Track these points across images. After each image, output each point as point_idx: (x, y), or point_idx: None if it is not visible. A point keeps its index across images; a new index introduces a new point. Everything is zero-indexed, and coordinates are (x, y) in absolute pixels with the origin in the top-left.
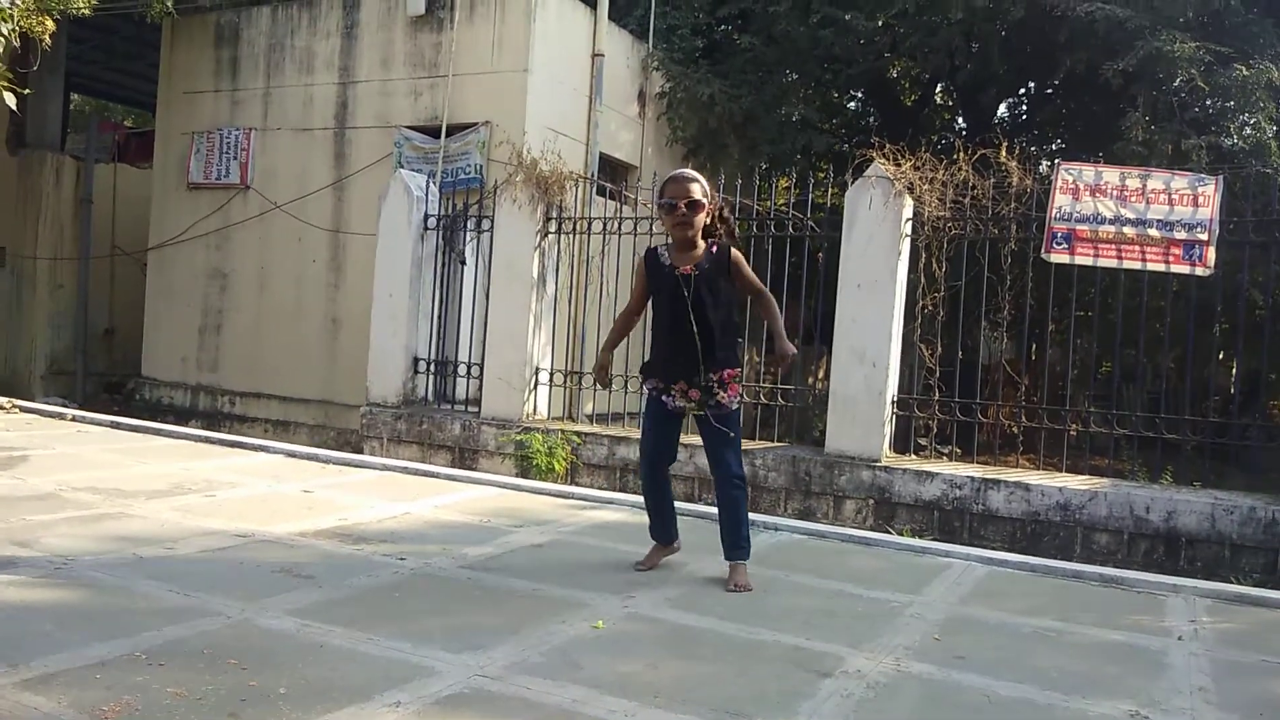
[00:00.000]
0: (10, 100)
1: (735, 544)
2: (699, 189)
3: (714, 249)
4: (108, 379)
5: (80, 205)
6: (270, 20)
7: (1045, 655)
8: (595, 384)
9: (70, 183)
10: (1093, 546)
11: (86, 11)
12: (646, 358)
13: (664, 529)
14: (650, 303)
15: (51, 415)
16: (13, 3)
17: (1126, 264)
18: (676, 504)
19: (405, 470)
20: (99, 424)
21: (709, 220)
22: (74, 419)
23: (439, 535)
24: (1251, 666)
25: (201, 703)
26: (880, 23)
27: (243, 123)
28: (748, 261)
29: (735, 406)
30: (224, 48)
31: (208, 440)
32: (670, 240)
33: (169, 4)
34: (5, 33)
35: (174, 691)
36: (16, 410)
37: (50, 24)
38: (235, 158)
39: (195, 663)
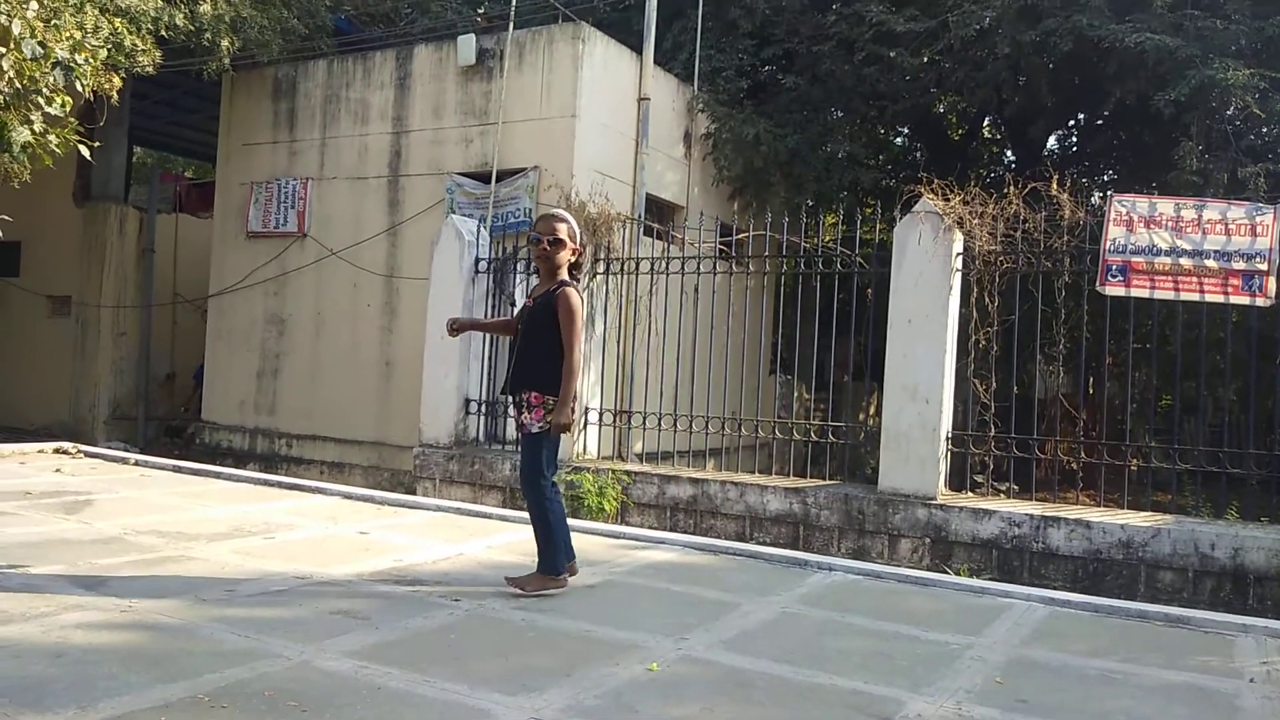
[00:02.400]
0: (85, 151)
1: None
2: (565, 229)
3: (553, 289)
4: (169, 423)
5: (143, 254)
6: (326, 73)
7: (1111, 698)
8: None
9: (133, 233)
10: (1157, 585)
11: (151, 69)
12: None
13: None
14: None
15: (114, 460)
16: (86, 61)
17: (1184, 296)
18: (729, 543)
19: (458, 511)
20: (161, 468)
21: (573, 259)
22: (136, 463)
23: (492, 576)
24: None
25: None
26: (925, 59)
27: (300, 173)
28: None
29: (535, 430)
30: (281, 100)
31: (266, 483)
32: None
33: (226, 61)
34: (80, 89)
35: None
36: (81, 455)
37: (118, 81)
38: (293, 207)
39: (256, 705)
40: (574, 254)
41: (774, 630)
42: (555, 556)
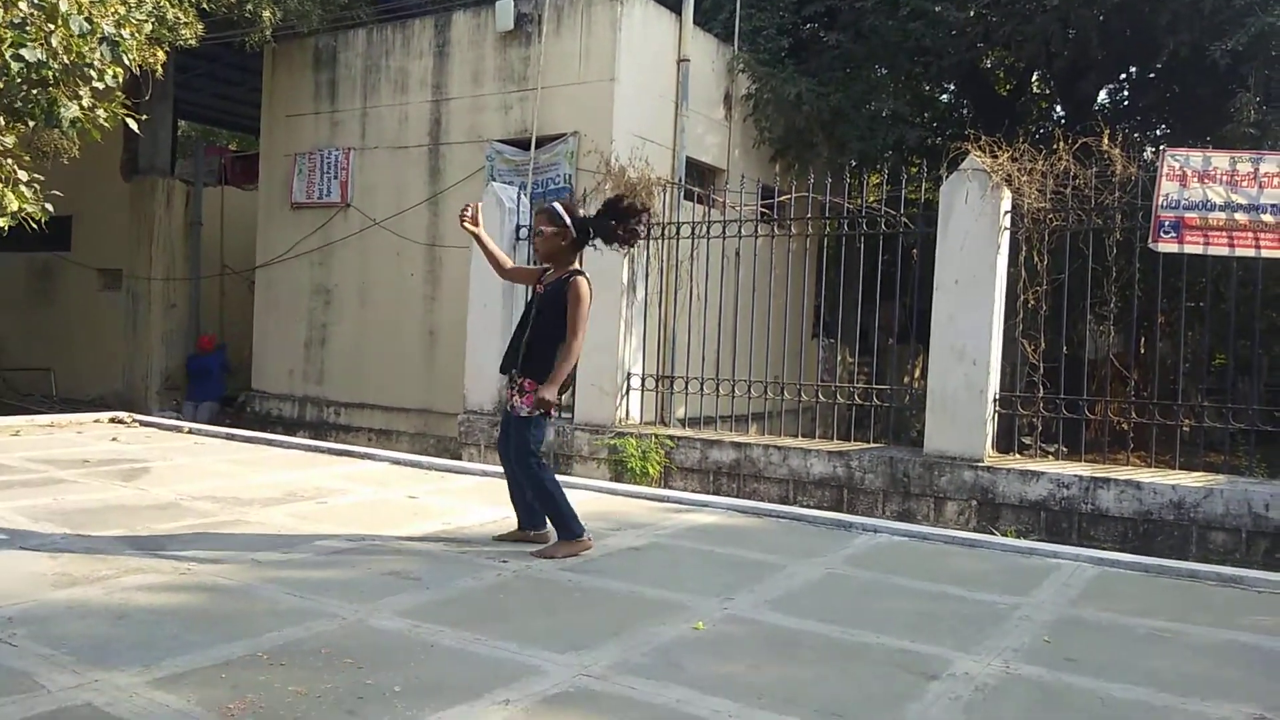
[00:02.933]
0: (133, 125)
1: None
2: (543, 219)
3: (565, 277)
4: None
5: (190, 227)
6: (366, 43)
7: (1161, 657)
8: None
9: (180, 206)
10: (1209, 546)
11: (194, 42)
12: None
13: (520, 512)
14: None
15: (169, 429)
16: (131, 35)
17: (1239, 251)
18: (773, 505)
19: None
20: (215, 436)
21: (565, 241)
22: (190, 431)
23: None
24: None
25: (321, 700)
26: (972, 13)
27: (342, 143)
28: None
29: (524, 414)
30: (322, 71)
31: (317, 450)
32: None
33: (268, 32)
34: (126, 63)
35: (295, 690)
36: (136, 424)
37: (162, 55)
38: (336, 177)
39: (314, 662)
40: (560, 237)
41: (819, 591)
42: (569, 522)
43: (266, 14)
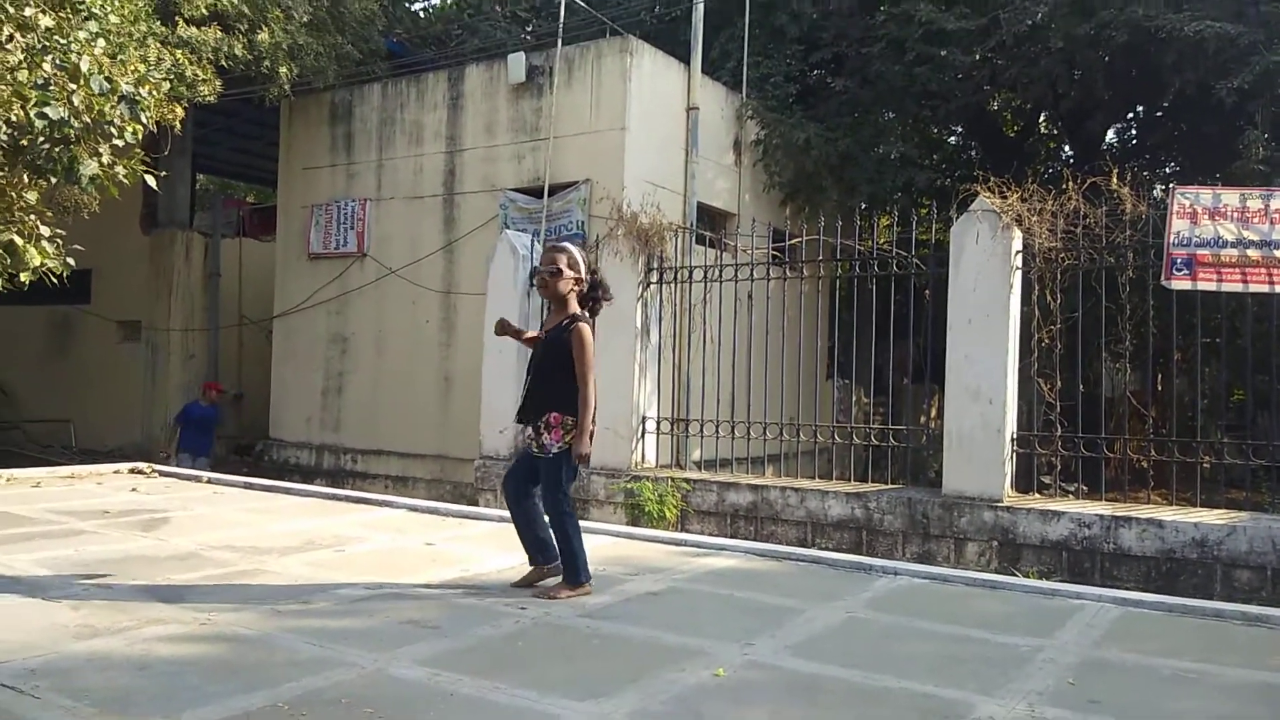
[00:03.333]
0: (151, 181)
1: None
2: (564, 259)
3: (564, 323)
4: (238, 442)
5: (209, 279)
6: (381, 96)
7: (1186, 698)
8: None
9: (199, 258)
10: (1234, 584)
11: (212, 99)
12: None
13: (531, 549)
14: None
15: (188, 478)
16: (150, 93)
17: (1253, 287)
18: (791, 548)
19: None
20: (233, 485)
21: (579, 289)
22: (209, 481)
23: (556, 584)
24: None
25: None
26: (978, 56)
27: (358, 194)
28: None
29: (555, 451)
30: (338, 124)
31: (334, 497)
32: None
33: (286, 88)
34: (144, 121)
35: None
36: (155, 475)
37: (180, 111)
38: (352, 227)
39: (334, 712)
40: (575, 283)
41: (840, 635)
42: (581, 568)
43: (283, 70)
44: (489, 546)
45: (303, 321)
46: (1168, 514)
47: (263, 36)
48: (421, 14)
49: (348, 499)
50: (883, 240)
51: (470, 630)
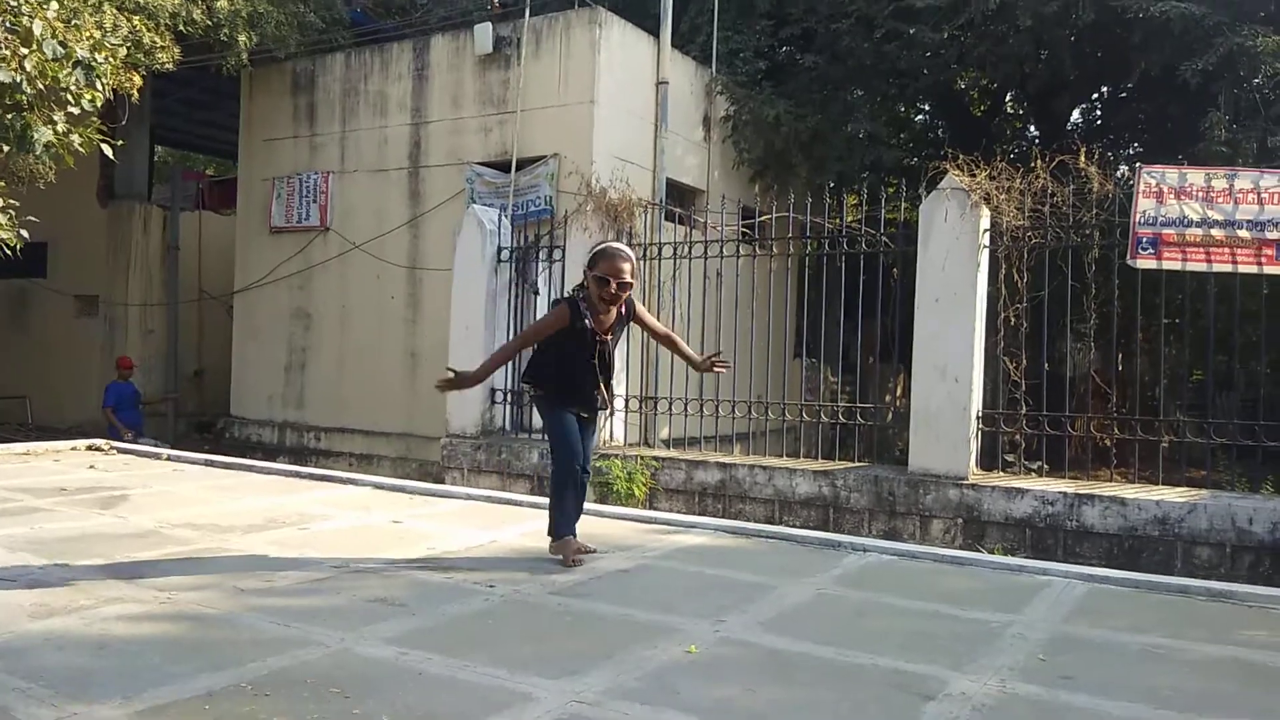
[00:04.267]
0: (109, 151)
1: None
2: (629, 268)
3: (623, 314)
4: (198, 419)
5: (168, 252)
6: (344, 66)
7: (1156, 673)
8: (451, 386)
9: (157, 231)
10: (1194, 561)
11: (170, 67)
12: (540, 375)
13: (574, 523)
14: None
15: (147, 455)
16: (106, 59)
17: (1216, 267)
18: (761, 525)
19: (489, 499)
20: (194, 463)
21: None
22: (169, 458)
23: (526, 563)
24: None
25: None
26: (946, 35)
27: (321, 166)
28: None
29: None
30: (300, 95)
31: (298, 475)
32: (589, 300)
33: (245, 57)
34: (101, 88)
35: None
36: (113, 452)
37: (138, 79)
38: (315, 201)
39: (300, 692)
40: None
41: (811, 612)
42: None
43: (243, 39)
44: (457, 524)
45: (264, 297)
46: (1130, 492)
47: (221, 3)
48: None
49: (311, 476)
50: (851, 218)
51: (438, 608)
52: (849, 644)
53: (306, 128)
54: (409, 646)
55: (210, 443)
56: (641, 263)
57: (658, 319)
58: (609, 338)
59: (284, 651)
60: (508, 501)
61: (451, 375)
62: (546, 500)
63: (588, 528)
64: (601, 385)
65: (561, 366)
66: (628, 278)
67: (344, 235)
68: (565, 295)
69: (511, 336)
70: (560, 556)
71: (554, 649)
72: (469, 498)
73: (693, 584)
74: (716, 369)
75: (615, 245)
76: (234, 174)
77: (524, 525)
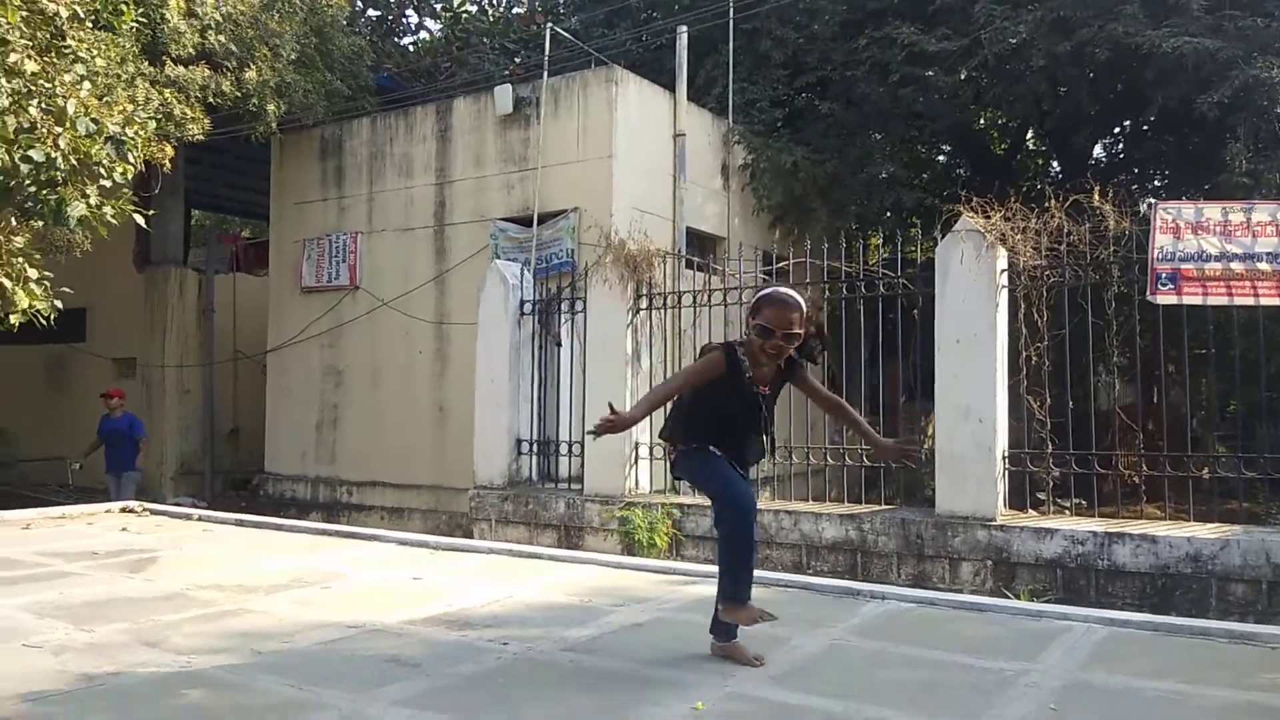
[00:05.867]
0: (140, 220)
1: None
2: (799, 319)
3: (783, 368)
4: (234, 476)
5: (203, 314)
6: (370, 130)
7: None
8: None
9: (193, 294)
10: (1229, 599)
11: (201, 137)
12: (688, 430)
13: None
14: (703, 388)
15: (179, 516)
16: (136, 133)
17: (1238, 300)
18: (779, 574)
19: (510, 553)
20: (224, 523)
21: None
22: (200, 519)
23: (541, 618)
24: None
25: None
26: (963, 75)
27: (349, 227)
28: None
29: None
30: (329, 159)
31: (324, 532)
32: (750, 349)
33: (274, 125)
34: (131, 160)
35: None
36: (146, 514)
37: (169, 150)
38: (344, 260)
39: None
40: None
41: (823, 663)
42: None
43: (271, 108)
44: (477, 579)
45: (296, 355)
46: (1161, 529)
47: (250, 74)
48: (410, 48)
49: (338, 534)
50: (874, 260)
51: (451, 667)
52: (859, 696)
53: (335, 190)
54: (419, 708)
55: (246, 499)
56: (662, 312)
57: (678, 367)
58: (769, 391)
59: (296, 714)
60: (530, 555)
61: (611, 417)
62: (569, 552)
63: (610, 580)
64: (765, 446)
65: (714, 421)
66: (796, 329)
67: (373, 293)
68: (721, 342)
69: (535, 389)
70: (741, 622)
71: (564, 708)
72: (491, 551)
73: (705, 637)
74: (907, 460)
75: (784, 291)
76: (268, 236)
77: (544, 579)
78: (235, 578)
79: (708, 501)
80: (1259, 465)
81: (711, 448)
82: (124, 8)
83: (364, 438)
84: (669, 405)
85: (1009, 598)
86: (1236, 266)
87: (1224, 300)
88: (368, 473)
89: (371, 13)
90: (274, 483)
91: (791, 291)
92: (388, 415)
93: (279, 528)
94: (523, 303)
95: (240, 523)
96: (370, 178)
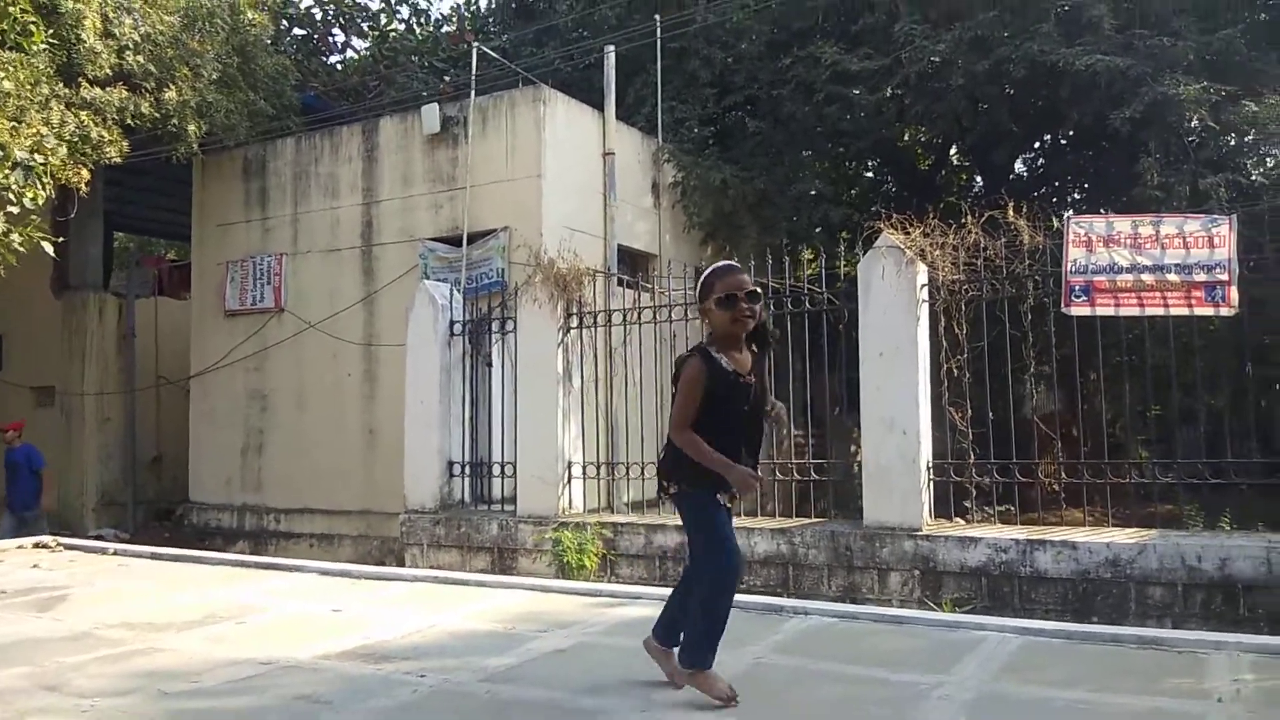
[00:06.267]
0: (49, 248)
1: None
2: (748, 279)
3: (753, 348)
4: (158, 506)
5: (124, 340)
6: (295, 150)
7: None
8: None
9: (114, 319)
10: (1147, 602)
11: (119, 159)
12: (687, 467)
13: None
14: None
15: (94, 551)
16: (46, 160)
17: (1149, 311)
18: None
19: (436, 580)
20: (140, 556)
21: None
22: (115, 553)
23: (462, 647)
24: None
25: None
26: (888, 92)
27: (274, 249)
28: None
29: None
30: (252, 180)
31: (244, 564)
32: (716, 340)
33: (195, 146)
34: (42, 186)
35: None
36: (60, 549)
37: (85, 173)
38: (269, 283)
39: None
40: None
41: (743, 682)
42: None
43: (192, 128)
44: (400, 609)
45: (221, 380)
46: (1081, 535)
47: (170, 95)
48: (338, 67)
49: (258, 565)
50: (808, 274)
51: (363, 703)
52: (777, 716)
53: (259, 211)
54: None
55: (170, 530)
56: (593, 330)
57: (610, 385)
58: (753, 381)
59: None
60: (456, 582)
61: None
62: (496, 577)
63: (537, 605)
64: (754, 453)
65: (709, 435)
66: (753, 287)
67: (299, 315)
68: (688, 350)
69: (465, 409)
70: (710, 695)
71: None
72: (416, 579)
73: (627, 662)
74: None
75: (723, 262)
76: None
77: (469, 606)
78: (147, 614)
79: (642, 520)
80: (1175, 469)
81: (718, 496)
82: (33, 28)
83: (291, 463)
84: (664, 439)
85: (934, 608)
86: (1147, 278)
87: (1136, 311)
88: (296, 499)
89: (297, 31)
90: (199, 512)
91: (729, 261)
92: (315, 440)
93: (197, 560)
94: (453, 323)
95: (156, 556)
96: (295, 198)
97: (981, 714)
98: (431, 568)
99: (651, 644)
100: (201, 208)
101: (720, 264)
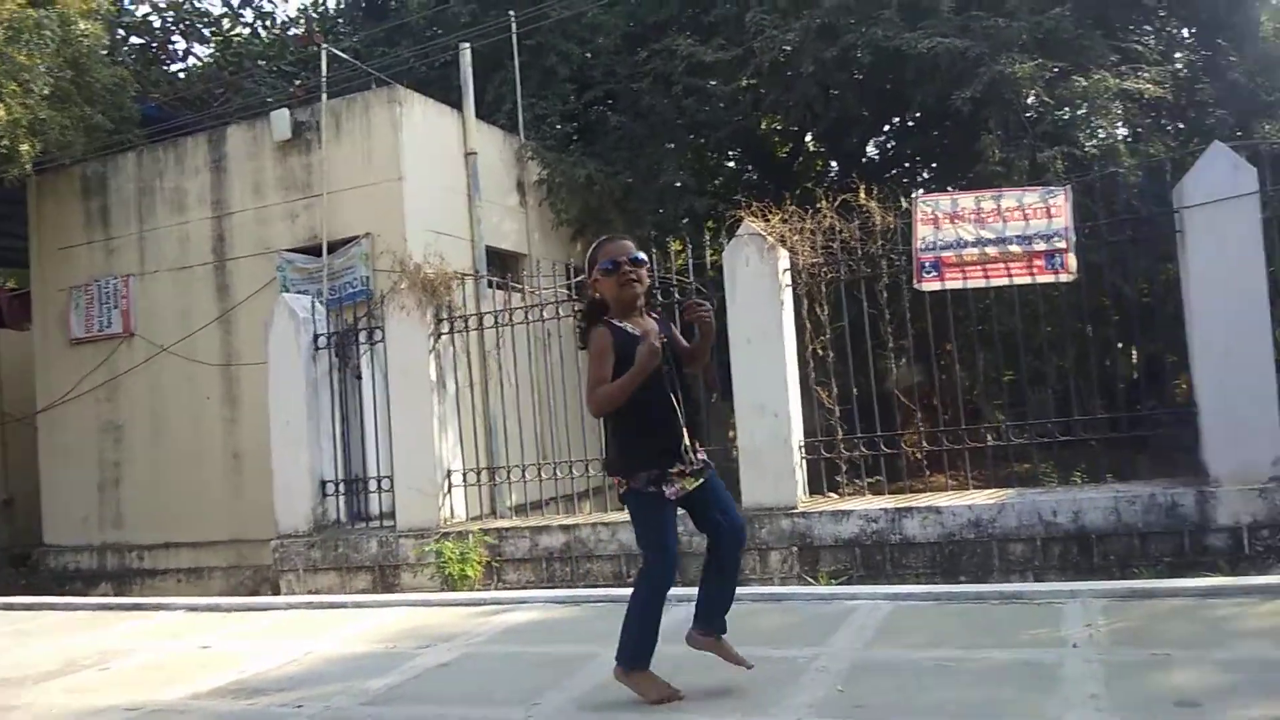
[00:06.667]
0: None
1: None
2: (633, 246)
3: (657, 313)
4: (11, 552)
5: None
6: (136, 165)
7: (944, 688)
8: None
9: None
10: (1010, 559)
11: None
12: (626, 453)
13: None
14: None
15: None
16: None
17: (994, 281)
18: (590, 591)
19: (310, 605)
20: None
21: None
22: None
23: (340, 672)
24: (1141, 664)
25: None
26: (744, 83)
27: (119, 270)
28: None
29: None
30: (92, 198)
31: (105, 607)
32: (615, 310)
33: (27, 165)
34: None
35: None
36: None
37: None
38: (116, 307)
39: None
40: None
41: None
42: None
43: (25, 148)
44: (273, 639)
45: (70, 413)
46: (944, 499)
47: None
48: (180, 75)
49: (121, 607)
50: (679, 263)
51: None
52: (658, 707)
53: (101, 231)
54: None
55: (26, 576)
56: (464, 335)
57: (485, 388)
58: (663, 339)
59: None
60: (332, 605)
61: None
62: (373, 596)
63: (418, 620)
64: (682, 417)
65: (645, 423)
66: (638, 254)
67: (150, 339)
68: (584, 324)
69: (336, 425)
70: (647, 697)
71: None
72: (290, 606)
73: (513, 667)
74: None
75: (606, 236)
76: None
77: (347, 629)
78: (0, 670)
79: (526, 523)
80: (1028, 430)
81: (642, 473)
82: None
83: (152, 496)
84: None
85: (811, 582)
86: (991, 250)
87: (983, 282)
88: (160, 534)
89: (135, 40)
90: (55, 555)
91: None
92: (177, 469)
93: (53, 607)
94: (316, 336)
95: (8, 606)
96: (140, 215)
97: (857, 682)
98: (308, 593)
99: (696, 637)
100: (39, 231)
101: (603, 237)
